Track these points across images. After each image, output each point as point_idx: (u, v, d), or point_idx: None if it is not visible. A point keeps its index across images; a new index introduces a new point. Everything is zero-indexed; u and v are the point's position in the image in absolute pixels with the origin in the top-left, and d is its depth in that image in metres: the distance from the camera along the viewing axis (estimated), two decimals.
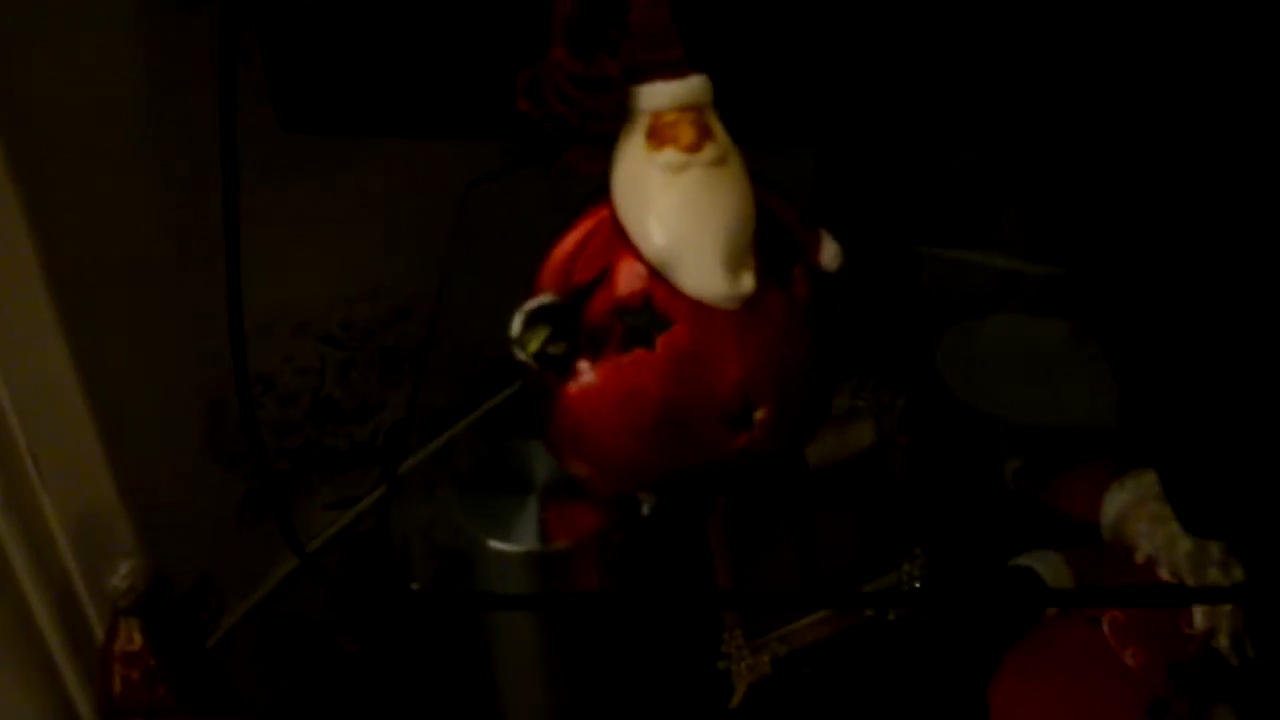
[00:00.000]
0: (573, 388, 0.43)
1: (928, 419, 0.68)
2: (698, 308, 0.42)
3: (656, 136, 0.41)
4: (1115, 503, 0.61)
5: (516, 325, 0.42)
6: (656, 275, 0.42)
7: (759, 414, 0.44)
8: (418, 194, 0.79)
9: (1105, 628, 0.58)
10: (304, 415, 0.83)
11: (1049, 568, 0.58)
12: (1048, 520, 0.67)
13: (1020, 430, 0.78)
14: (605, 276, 0.42)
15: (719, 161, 0.42)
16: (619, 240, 0.43)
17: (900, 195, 0.93)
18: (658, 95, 0.41)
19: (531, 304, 0.42)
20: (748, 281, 0.42)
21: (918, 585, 0.66)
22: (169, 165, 0.65)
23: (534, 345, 0.41)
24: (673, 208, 0.41)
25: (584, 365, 0.43)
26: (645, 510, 0.46)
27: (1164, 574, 0.58)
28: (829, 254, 0.47)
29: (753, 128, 0.44)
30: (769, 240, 0.44)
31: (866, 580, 0.66)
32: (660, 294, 0.42)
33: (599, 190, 0.44)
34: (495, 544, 0.47)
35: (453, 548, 0.82)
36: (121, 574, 0.47)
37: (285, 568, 0.84)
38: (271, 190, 0.70)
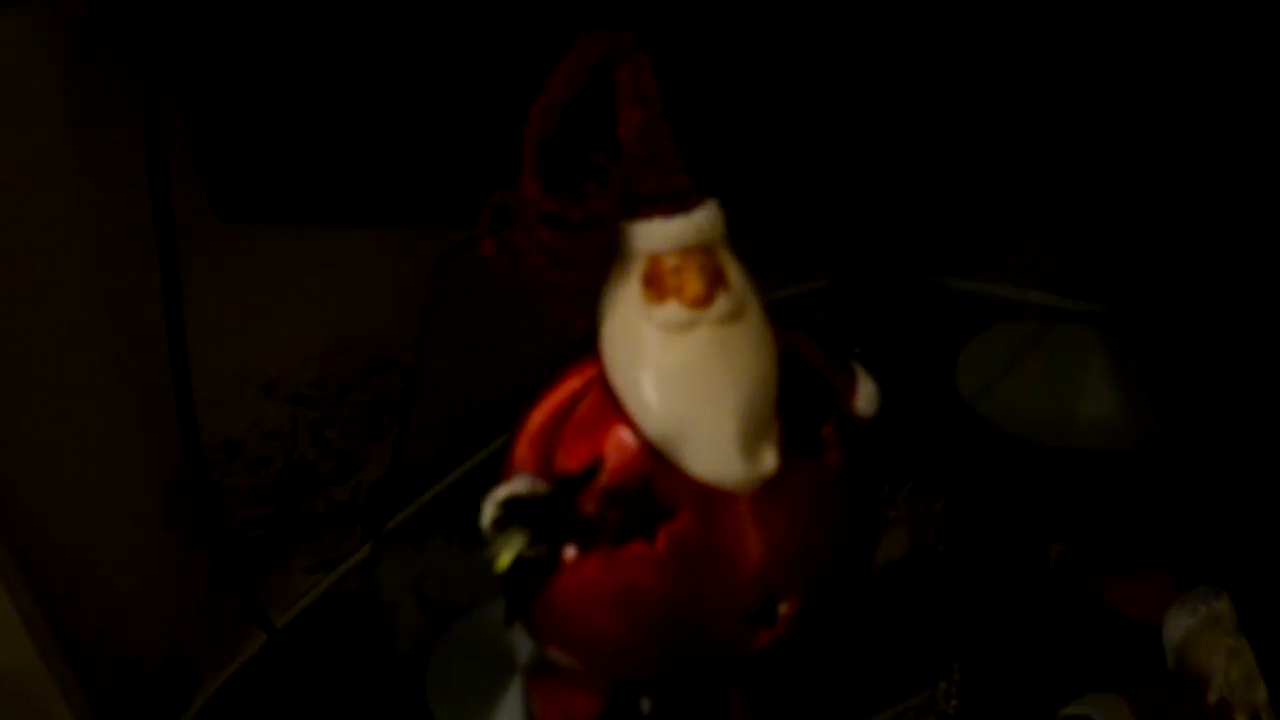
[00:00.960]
0: (558, 579, 0.36)
1: (967, 519, 0.60)
2: (705, 492, 0.34)
3: (655, 286, 0.33)
4: (1180, 626, 0.53)
5: (487, 518, 0.34)
6: (655, 453, 0.34)
7: (784, 608, 0.36)
8: (393, 245, 0.72)
9: None
10: (275, 480, 0.77)
11: (1110, 718, 0.50)
12: (1101, 625, 0.59)
13: (1047, 454, 0.71)
14: (600, 466, 0.34)
15: (733, 315, 0.33)
16: (611, 407, 0.35)
17: (916, 225, 0.85)
18: (657, 236, 0.33)
19: (504, 492, 0.34)
20: (769, 460, 0.34)
21: (954, 703, 0.59)
22: (107, 232, 0.59)
23: (507, 558, 0.33)
24: (676, 375, 0.33)
25: (571, 553, 0.35)
26: (645, 709, 0.38)
27: (1240, 719, 0.50)
28: (865, 398, 0.38)
29: (757, 221, 0.37)
30: (793, 397, 0.36)
31: (899, 698, 0.59)
32: (661, 475, 0.34)
33: (586, 340, 0.35)
34: None
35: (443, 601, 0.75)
36: None
37: (261, 637, 0.79)
38: (231, 247, 0.64)
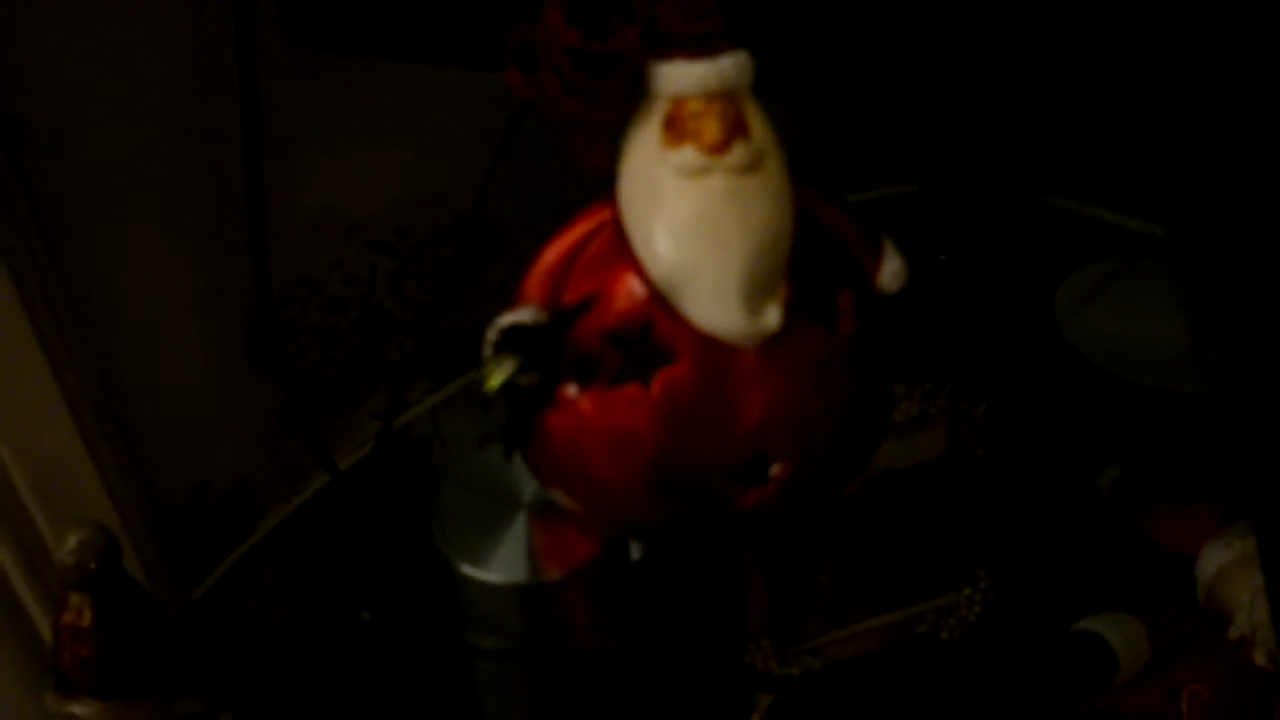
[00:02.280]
0: (556, 414, 0.36)
1: (1013, 428, 0.59)
2: (707, 343, 0.34)
3: (675, 129, 0.33)
4: (1213, 560, 0.52)
5: (487, 343, 0.35)
6: (661, 298, 0.34)
7: (775, 470, 0.36)
8: (483, 101, 0.72)
9: (1184, 703, 0.50)
10: (351, 324, 0.79)
11: (1123, 637, 0.49)
12: (1136, 550, 0.58)
13: (1138, 392, 0.69)
14: (595, 300, 0.34)
15: (750, 166, 0.33)
16: (621, 250, 0.35)
17: (1026, 138, 0.82)
18: (679, 78, 0.33)
19: (506, 320, 0.35)
20: (772, 317, 0.34)
21: (978, 610, 0.58)
22: (200, 64, 0.60)
23: (496, 380, 0.33)
24: (685, 221, 0.33)
25: (571, 390, 0.36)
26: (635, 556, 0.39)
27: (1259, 658, 0.49)
28: (889, 273, 0.38)
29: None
30: (811, 260, 0.35)
31: (921, 599, 0.59)
32: (663, 322, 0.34)
33: (605, 182, 0.36)
34: (476, 573, 0.41)
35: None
36: (68, 548, 0.43)
37: (325, 475, 0.82)
38: (324, 86, 0.65)
